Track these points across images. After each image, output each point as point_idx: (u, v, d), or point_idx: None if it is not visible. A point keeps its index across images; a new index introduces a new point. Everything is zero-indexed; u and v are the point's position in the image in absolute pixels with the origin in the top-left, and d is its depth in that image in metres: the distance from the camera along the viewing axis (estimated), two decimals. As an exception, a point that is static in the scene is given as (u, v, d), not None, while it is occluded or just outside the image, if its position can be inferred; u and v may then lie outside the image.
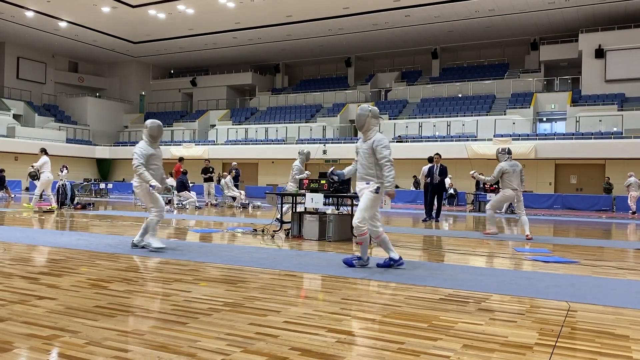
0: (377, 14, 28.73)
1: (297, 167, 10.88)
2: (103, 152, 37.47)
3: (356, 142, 6.00)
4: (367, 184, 5.75)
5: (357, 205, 8.87)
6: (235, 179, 19.53)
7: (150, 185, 6.69)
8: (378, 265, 5.77)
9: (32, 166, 14.35)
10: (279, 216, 9.31)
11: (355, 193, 8.20)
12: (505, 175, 9.40)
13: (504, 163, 9.46)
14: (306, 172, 11.05)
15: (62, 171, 15.57)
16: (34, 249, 6.78)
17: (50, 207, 14.20)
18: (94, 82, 42.02)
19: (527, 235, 9.30)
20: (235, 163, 21.04)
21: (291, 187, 10.65)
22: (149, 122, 7.03)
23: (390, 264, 5.69)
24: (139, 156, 6.76)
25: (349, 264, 5.77)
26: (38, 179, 14.10)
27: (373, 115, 5.80)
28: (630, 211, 19.74)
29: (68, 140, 35.70)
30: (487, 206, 9.96)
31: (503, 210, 17.25)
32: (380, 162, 5.65)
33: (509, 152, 9.63)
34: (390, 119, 30.36)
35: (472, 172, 10.20)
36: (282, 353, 2.79)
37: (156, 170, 6.89)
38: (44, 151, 14.32)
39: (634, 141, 23.74)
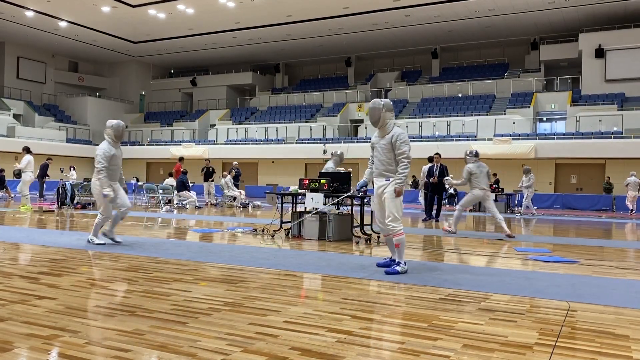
0: (377, 13, 28.73)
1: (331, 169, 10.02)
2: (103, 152, 37.43)
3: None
4: (386, 180, 5.51)
5: (358, 204, 8.92)
6: (236, 178, 19.52)
7: (103, 194, 6.96)
8: (378, 265, 5.76)
9: (16, 165, 14.37)
10: (281, 216, 9.29)
11: (359, 194, 8.18)
12: (472, 176, 9.73)
13: (470, 165, 9.74)
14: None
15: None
16: (33, 248, 6.78)
17: (27, 206, 13.91)
18: (94, 82, 42.01)
19: (507, 233, 9.47)
20: (236, 163, 21.03)
21: None
22: (114, 122, 7.25)
23: (391, 264, 5.67)
24: (103, 159, 7.01)
25: (392, 272, 5.31)
26: (20, 177, 14.17)
27: (387, 109, 5.52)
28: (630, 210, 19.75)
29: (68, 140, 35.68)
30: (458, 205, 10.30)
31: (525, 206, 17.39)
32: (398, 157, 5.44)
33: (476, 154, 9.89)
34: (390, 118, 30.33)
35: (446, 178, 10.50)
36: (282, 353, 2.79)
37: (115, 170, 7.18)
38: (27, 150, 14.25)
39: (634, 141, 23.74)
